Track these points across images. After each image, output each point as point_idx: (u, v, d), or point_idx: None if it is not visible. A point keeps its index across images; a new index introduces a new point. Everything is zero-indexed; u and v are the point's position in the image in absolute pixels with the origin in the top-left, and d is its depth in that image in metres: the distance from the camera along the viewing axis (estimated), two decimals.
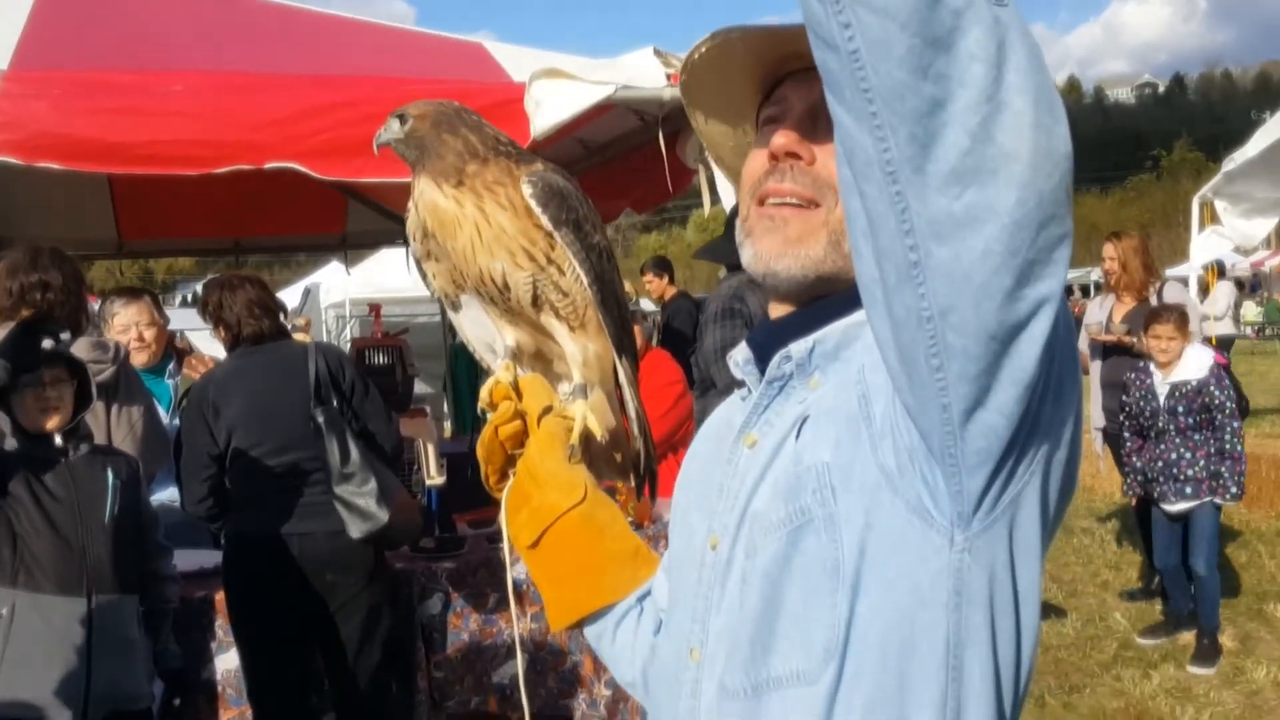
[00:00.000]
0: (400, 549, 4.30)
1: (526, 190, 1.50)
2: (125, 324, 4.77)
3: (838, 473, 1.10)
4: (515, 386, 1.55)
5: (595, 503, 1.45)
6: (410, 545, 4.36)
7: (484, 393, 1.57)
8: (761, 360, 1.25)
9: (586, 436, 1.51)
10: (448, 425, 9.44)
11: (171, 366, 5.03)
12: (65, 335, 3.15)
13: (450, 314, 1.70)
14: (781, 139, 1.21)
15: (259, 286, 4.01)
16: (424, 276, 1.65)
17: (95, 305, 5.06)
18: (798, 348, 1.20)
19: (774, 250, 1.22)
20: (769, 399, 1.23)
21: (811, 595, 1.10)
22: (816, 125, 1.20)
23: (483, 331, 1.67)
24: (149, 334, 4.84)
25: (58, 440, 3.13)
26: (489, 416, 1.57)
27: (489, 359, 1.70)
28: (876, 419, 1.08)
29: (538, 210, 1.50)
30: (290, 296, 18.57)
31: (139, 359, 4.67)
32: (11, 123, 3.48)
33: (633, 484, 1.73)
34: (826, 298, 1.21)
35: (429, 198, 1.51)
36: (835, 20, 0.86)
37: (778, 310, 1.27)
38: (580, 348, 1.58)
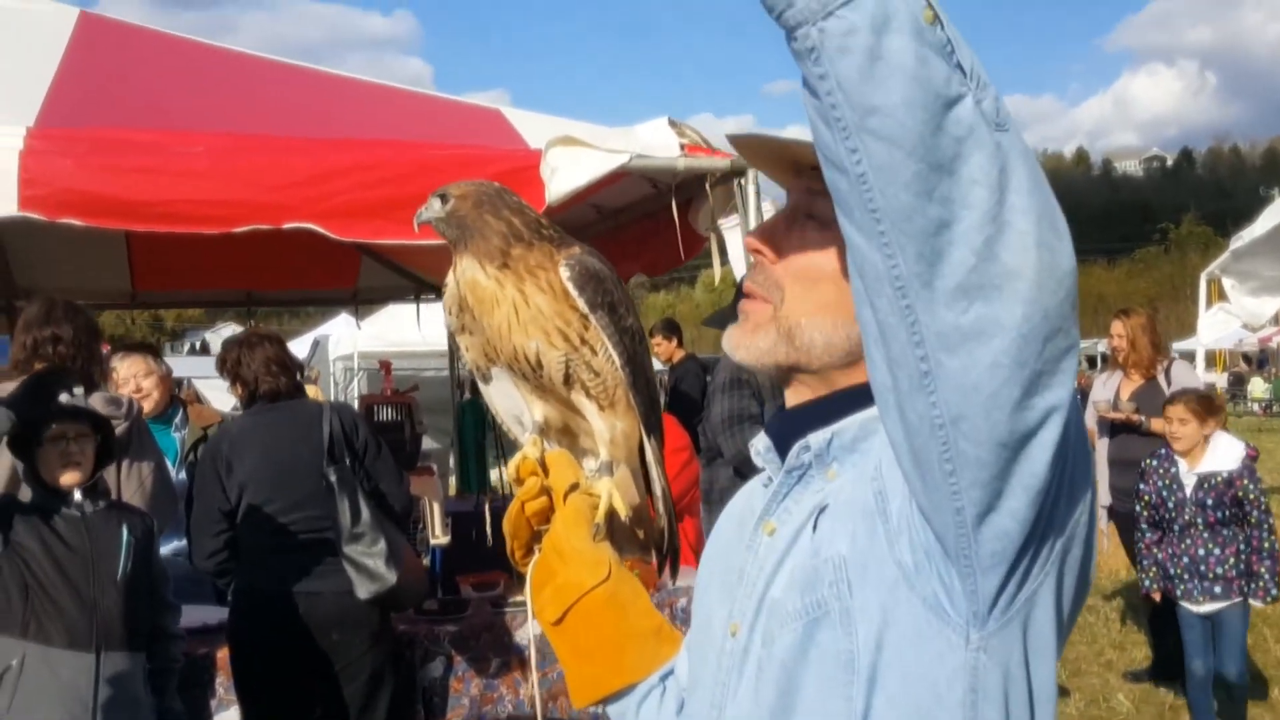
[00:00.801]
0: (405, 610, 4.29)
1: (564, 273, 1.54)
2: (125, 377, 4.87)
3: (855, 567, 1.11)
4: (542, 462, 1.57)
5: (619, 581, 1.46)
6: (414, 607, 4.35)
7: (511, 467, 1.59)
8: (781, 448, 1.27)
9: (611, 514, 1.53)
10: (452, 482, 9.43)
11: (178, 419, 5.07)
12: (79, 390, 3.18)
13: (480, 385, 1.73)
14: (750, 239, 1.28)
15: (277, 344, 4.06)
16: (457, 348, 1.69)
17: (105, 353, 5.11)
18: (816, 439, 1.22)
19: (734, 340, 1.28)
20: (788, 487, 1.24)
21: (827, 688, 1.11)
22: (793, 225, 1.26)
23: (511, 404, 1.70)
24: (147, 383, 4.92)
25: (76, 495, 3.15)
26: (515, 490, 1.59)
27: (516, 431, 1.72)
28: (893, 516, 1.09)
29: (574, 293, 1.54)
30: (299, 348, 18.61)
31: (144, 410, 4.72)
32: (36, 179, 3.54)
33: (654, 560, 1.75)
34: (844, 390, 1.24)
35: (471, 276, 1.55)
36: (843, 145, 0.89)
37: (793, 398, 1.30)
38: (609, 426, 1.61)
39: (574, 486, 1.52)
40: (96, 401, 3.49)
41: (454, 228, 1.56)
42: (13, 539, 3.06)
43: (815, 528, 1.18)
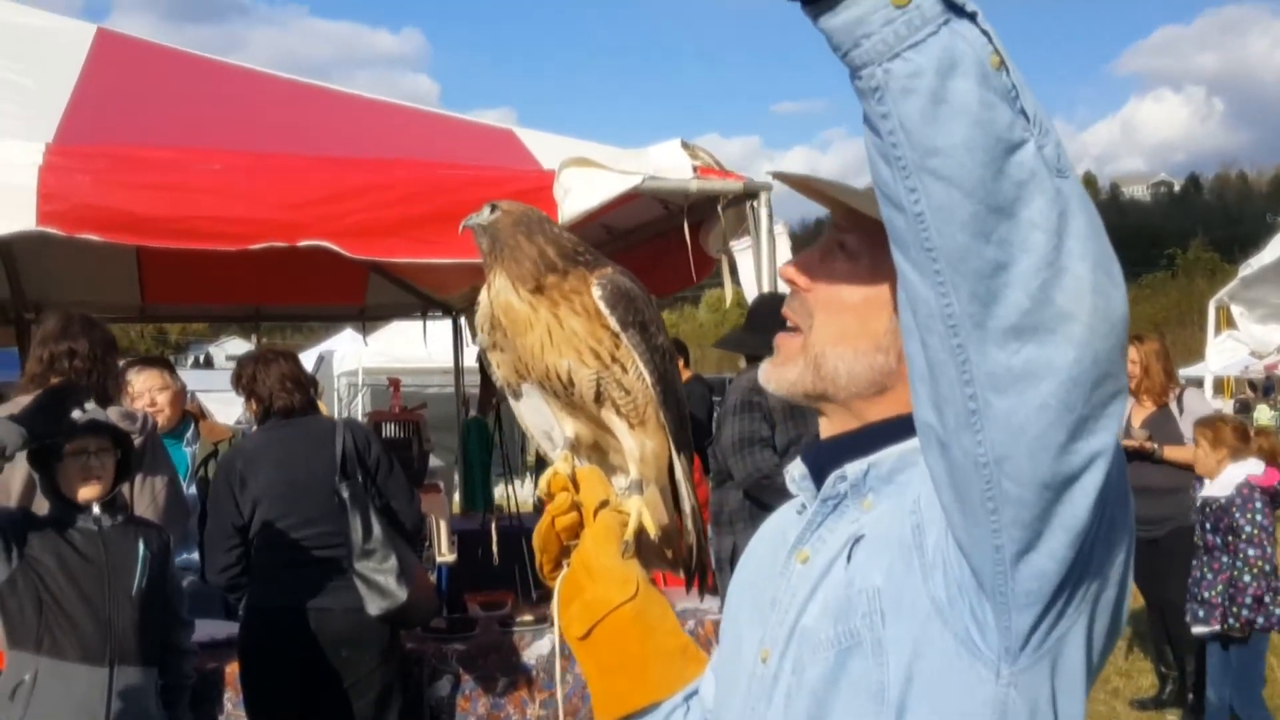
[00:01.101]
0: (414, 628, 4.30)
1: (596, 292, 1.56)
2: (140, 391, 4.88)
3: (888, 599, 1.12)
4: (573, 478, 1.59)
5: (647, 599, 1.47)
6: (423, 625, 4.35)
7: (543, 483, 1.61)
8: (817, 477, 1.28)
9: (640, 531, 1.54)
10: (456, 499, 9.43)
11: (190, 434, 5.09)
12: (89, 404, 3.19)
13: (510, 401, 1.74)
14: (785, 269, 1.30)
15: (292, 361, 4.09)
16: (488, 364, 1.70)
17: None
18: (853, 469, 1.23)
19: (766, 373, 1.31)
20: (823, 516, 1.25)
21: (856, 717, 1.12)
22: (826, 256, 1.27)
23: (541, 420, 1.72)
24: (161, 398, 4.94)
25: (94, 509, 3.16)
26: (545, 503, 1.60)
27: (546, 446, 1.74)
28: (929, 550, 1.10)
29: (606, 312, 1.56)
30: (304, 362, 18.59)
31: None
32: (54, 194, 3.57)
33: (683, 577, 1.76)
34: (880, 423, 1.25)
35: (505, 299, 1.57)
36: (903, 184, 0.90)
37: (827, 429, 1.31)
38: (639, 444, 1.62)
39: (604, 503, 1.54)
40: (112, 415, 3.51)
41: (488, 239, 1.59)
42: (28, 553, 3.07)
43: (850, 558, 1.18)
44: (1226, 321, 10.09)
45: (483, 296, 1.62)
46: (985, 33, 0.87)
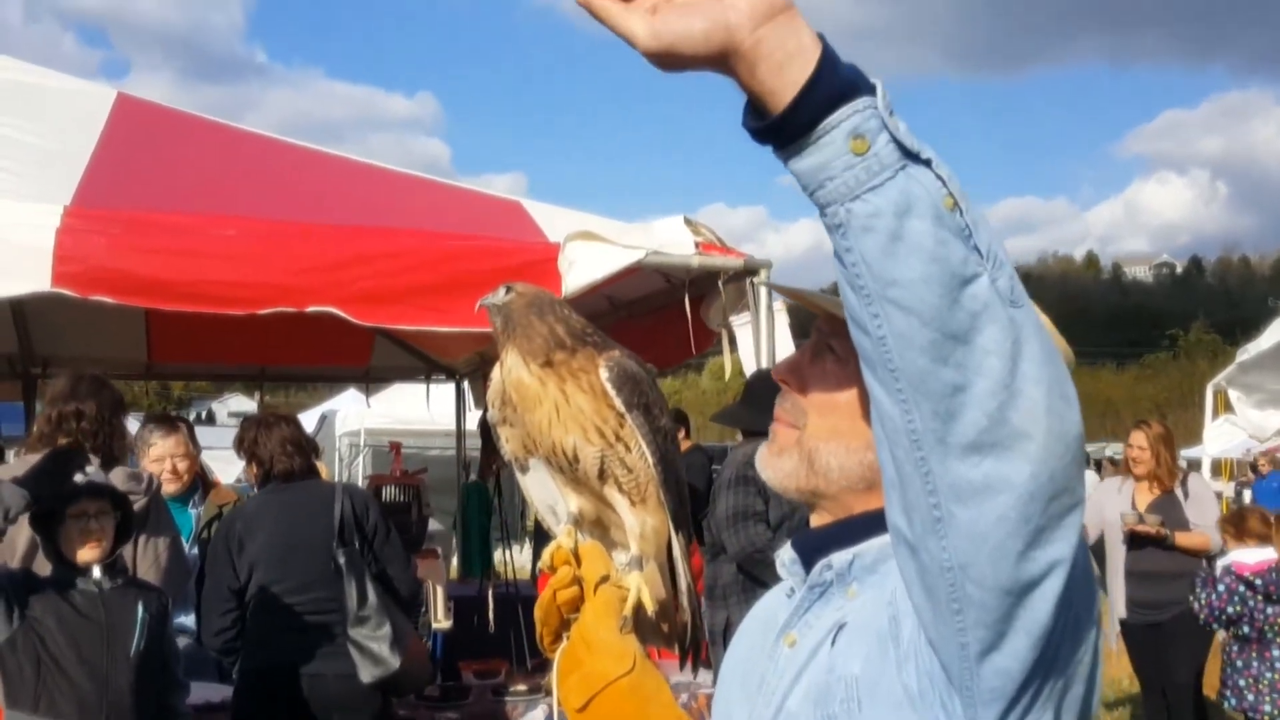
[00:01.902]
0: (407, 696, 4.30)
1: (603, 374, 1.63)
2: (161, 455, 4.90)
3: (865, 686, 1.17)
4: (575, 553, 1.64)
5: (643, 672, 1.52)
6: (416, 692, 4.35)
7: (545, 556, 1.67)
8: (806, 563, 1.34)
9: (638, 607, 1.59)
10: (454, 563, 9.41)
11: (196, 496, 5.11)
12: (92, 468, 3.24)
13: (518, 475, 1.81)
14: (777, 371, 1.38)
15: (293, 425, 4.14)
16: (496, 439, 1.77)
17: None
18: (839, 559, 1.29)
19: (762, 460, 1.38)
20: (809, 603, 1.31)
21: None
22: (815, 358, 1.35)
23: (546, 494, 1.78)
24: (182, 466, 4.98)
25: (95, 571, 3.19)
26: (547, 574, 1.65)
27: (549, 520, 1.80)
28: (904, 641, 1.15)
29: (612, 393, 1.63)
30: (306, 421, 18.60)
31: (169, 488, 4.78)
32: (70, 256, 3.64)
33: (676, 653, 1.81)
34: (866, 514, 1.31)
35: (516, 374, 1.64)
36: (866, 310, 0.97)
37: (816, 520, 1.37)
38: (639, 521, 1.69)
39: (605, 578, 1.59)
40: (117, 477, 3.55)
41: (502, 318, 1.66)
42: (30, 613, 3.10)
43: (834, 644, 1.24)
44: (1224, 406, 10.13)
45: (495, 373, 1.69)
46: (940, 177, 0.94)
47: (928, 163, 0.95)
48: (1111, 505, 6.68)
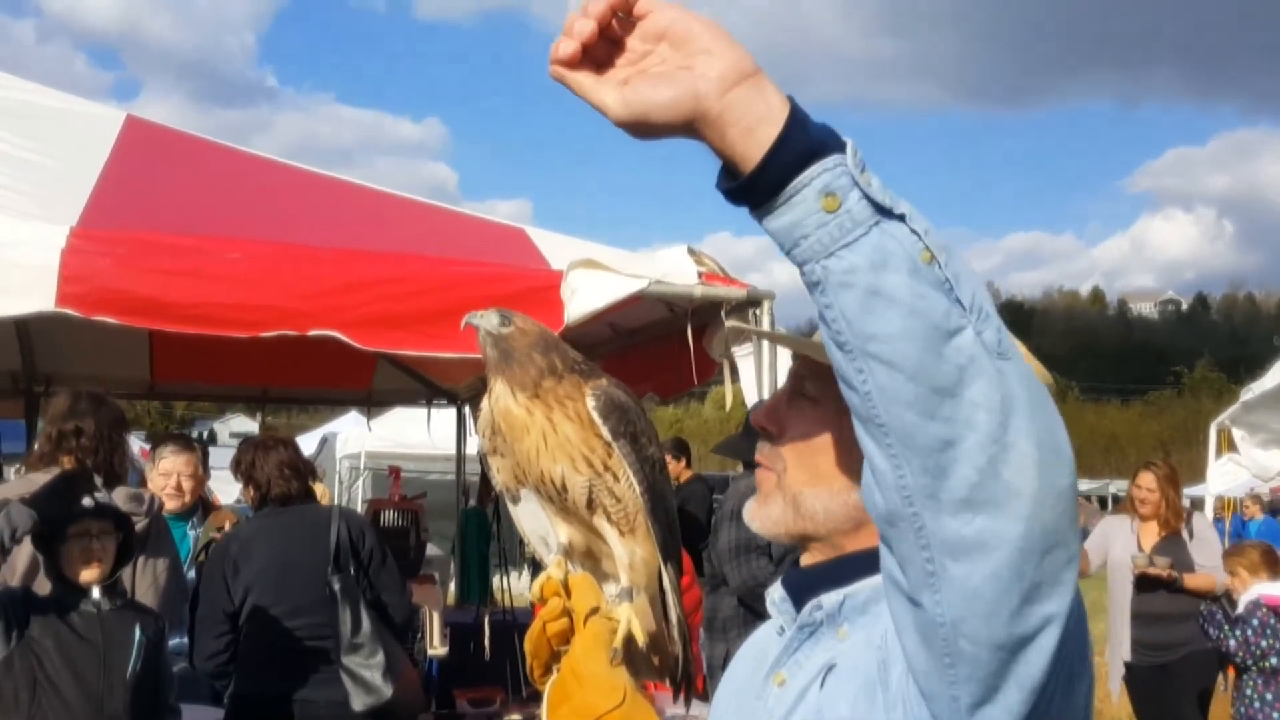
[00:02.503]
0: None
1: (590, 403, 1.63)
2: (168, 470, 4.92)
3: None
4: (565, 584, 1.63)
5: (634, 706, 1.52)
6: None
7: (535, 588, 1.66)
8: (796, 602, 1.34)
9: (629, 639, 1.59)
10: (452, 589, 9.38)
11: (196, 518, 5.11)
12: (100, 492, 3.24)
13: (509, 506, 1.80)
14: (758, 414, 1.38)
15: (291, 449, 4.14)
16: (489, 469, 1.76)
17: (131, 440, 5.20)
18: (829, 599, 1.29)
19: (750, 510, 1.38)
20: (799, 642, 1.31)
21: None
22: (791, 402, 1.35)
23: (538, 525, 1.78)
24: (187, 485, 4.99)
25: (95, 592, 3.19)
26: (536, 607, 1.65)
27: (541, 551, 1.80)
28: (892, 685, 1.15)
29: (599, 421, 1.63)
30: (307, 444, 18.59)
31: (170, 505, 4.78)
32: (75, 277, 3.65)
33: (669, 686, 1.80)
34: (857, 553, 1.30)
35: (504, 404, 1.64)
36: (851, 367, 0.98)
37: (807, 559, 1.37)
38: (629, 551, 1.68)
39: (594, 610, 1.59)
40: (119, 496, 3.55)
41: (499, 350, 1.65)
42: (28, 633, 3.10)
43: (822, 686, 1.23)
44: (1227, 444, 10.09)
45: (485, 403, 1.69)
46: (916, 231, 0.95)
47: (901, 217, 0.96)
48: (1119, 546, 6.63)
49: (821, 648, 1.28)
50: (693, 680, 1.81)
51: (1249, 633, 5.54)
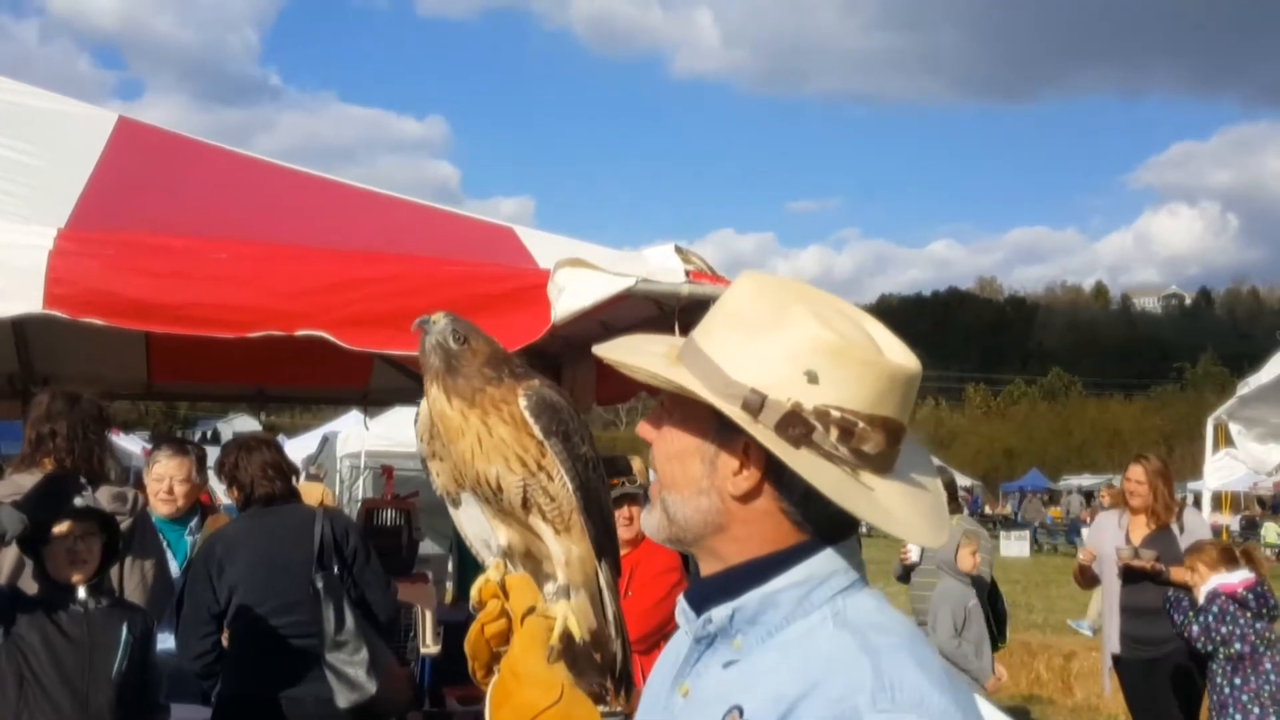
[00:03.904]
0: None
1: (522, 403, 1.65)
2: (161, 475, 4.93)
3: None
4: (503, 585, 1.65)
5: (571, 702, 1.53)
6: (396, 717, 4.35)
7: (474, 591, 1.67)
8: (698, 612, 1.37)
9: (568, 636, 1.60)
10: (449, 588, 9.39)
11: (194, 523, 5.12)
12: (87, 492, 3.27)
13: (451, 510, 1.81)
14: (642, 425, 1.44)
15: (275, 450, 4.16)
16: (429, 473, 1.77)
17: (117, 438, 5.22)
18: (719, 613, 1.32)
19: (643, 518, 1.44)
20: (698, 654, 1.36)
21: None
22: (660, 409, 1.40)
23: (479, 528, 1.79)
24: (179, 489, 4.99)
25: (81, 592, 3.22)
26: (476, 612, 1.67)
27: (484, 554, 1.81)
28: None
29: (530, 421, 1.65)
30: (309, 443, 18.66)
31: (163, 509, 4.79)
32: (63, 279, 3.67)
33: (609, 684, 1.81)
34: (743, 565, 1.33)
35: (439, 407, 1.65)
36: None
37: (705, 567, 1.41)
38: (564, 549, 1.70)
39: (531, 609, 1.61)
40: (103, 496, 3.58)
41: (444, 362, 1.66)
42: (15, 631, 3.13)
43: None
44: (1225, 439, 10.10)
45: (422, 406, 1.70)
46: None
47: None
48: (1109, 539, 6.66)
49: (719, 658, 1.32)
50: (630, 678, 1.83)
51: (1209, 619, 5.71)
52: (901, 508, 1.28)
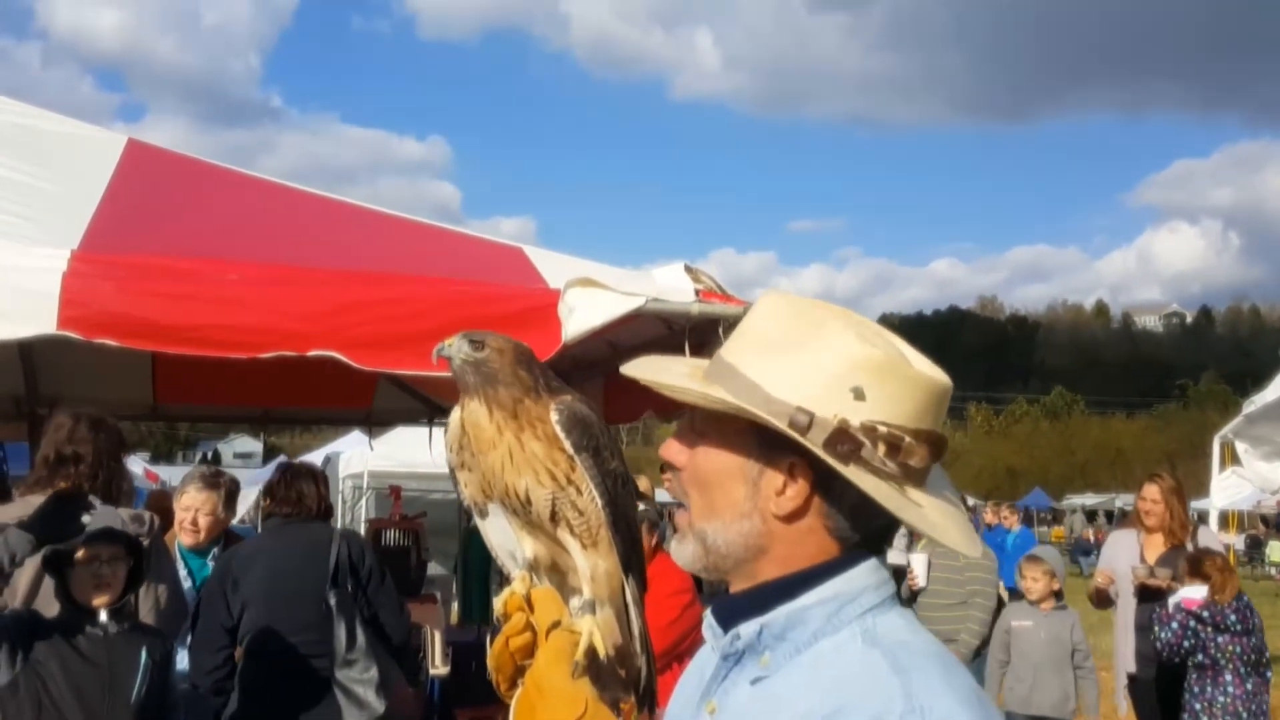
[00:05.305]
0: None
1: (554, 417, 1.65)
2: (189, 505, 4.94)
3: None
4: (529, 599, 1.65)
5: (596, 717, 1.52)
6: None
7: (498, 603, 1.67)
8: (725, 628, 1.37)
9: (592, 652, 1.60)
10: (454, 608, 9.37)
11: (216, 551, 5.11)
12: (99, 510, 3.26)
13: (477, 520, 1.81)
14: (664, 449, 1.41)
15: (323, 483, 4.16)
16: (456, 483, 1.77)
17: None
18: (746, 630, 1.32)
19: (674, 549, 1.41)
20: (725, 670, 1.35)
21: None
22: (689, 432, 1.38)
23: (506, 540, 1.79)
24: (204, 522, 4.99)
25: (103, 615, 3.21)
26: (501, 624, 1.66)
27: (510, 566, 1.81)
28: None
29: (562, 435, 1.65)
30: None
31: (185, 539, 4.82)
32: (76, 300, 3.68)
33: (633, 700, 1.80)
34: (772, 582, 1.33)
35: (476, 418, 1.65)
36: None
37: (734, 585, 1.40)
38: (591, 564, 1.69)
39: (557, 623, 1.60)
40: (123, 518, 3.56)
41: (478, 374, 1.66)
42: (33, 656, 3.11)
43: None
44: (1231, 458, 10.08)
45: (454, 416, 1.70)
46: None
47: None
48: (1123, 558, 6.63)
49: (747, 675, 1.31)
50: (654, 695, 1.82)
51: (1169, 634, 5.93)
52: (942, 519, 1.29)
